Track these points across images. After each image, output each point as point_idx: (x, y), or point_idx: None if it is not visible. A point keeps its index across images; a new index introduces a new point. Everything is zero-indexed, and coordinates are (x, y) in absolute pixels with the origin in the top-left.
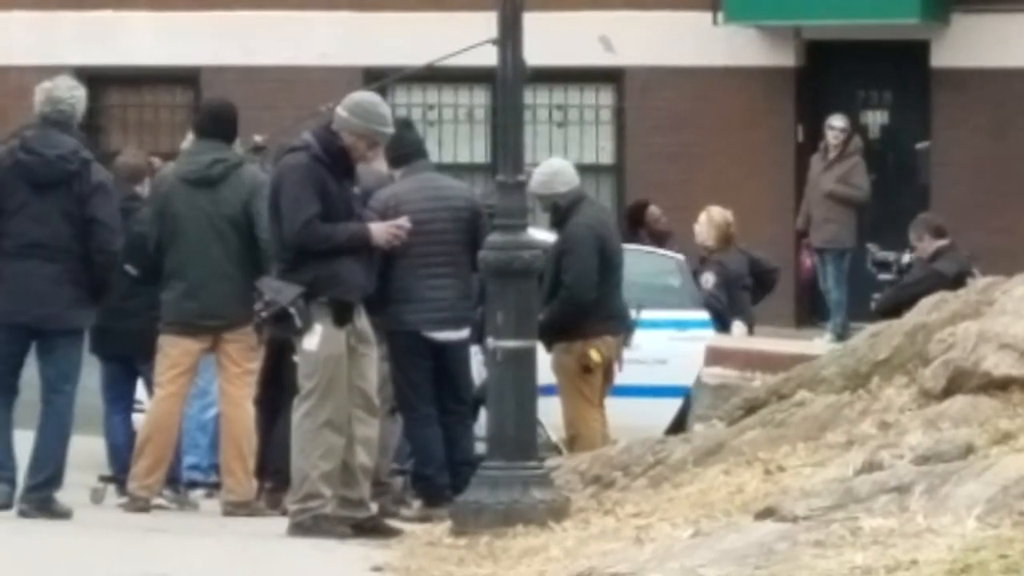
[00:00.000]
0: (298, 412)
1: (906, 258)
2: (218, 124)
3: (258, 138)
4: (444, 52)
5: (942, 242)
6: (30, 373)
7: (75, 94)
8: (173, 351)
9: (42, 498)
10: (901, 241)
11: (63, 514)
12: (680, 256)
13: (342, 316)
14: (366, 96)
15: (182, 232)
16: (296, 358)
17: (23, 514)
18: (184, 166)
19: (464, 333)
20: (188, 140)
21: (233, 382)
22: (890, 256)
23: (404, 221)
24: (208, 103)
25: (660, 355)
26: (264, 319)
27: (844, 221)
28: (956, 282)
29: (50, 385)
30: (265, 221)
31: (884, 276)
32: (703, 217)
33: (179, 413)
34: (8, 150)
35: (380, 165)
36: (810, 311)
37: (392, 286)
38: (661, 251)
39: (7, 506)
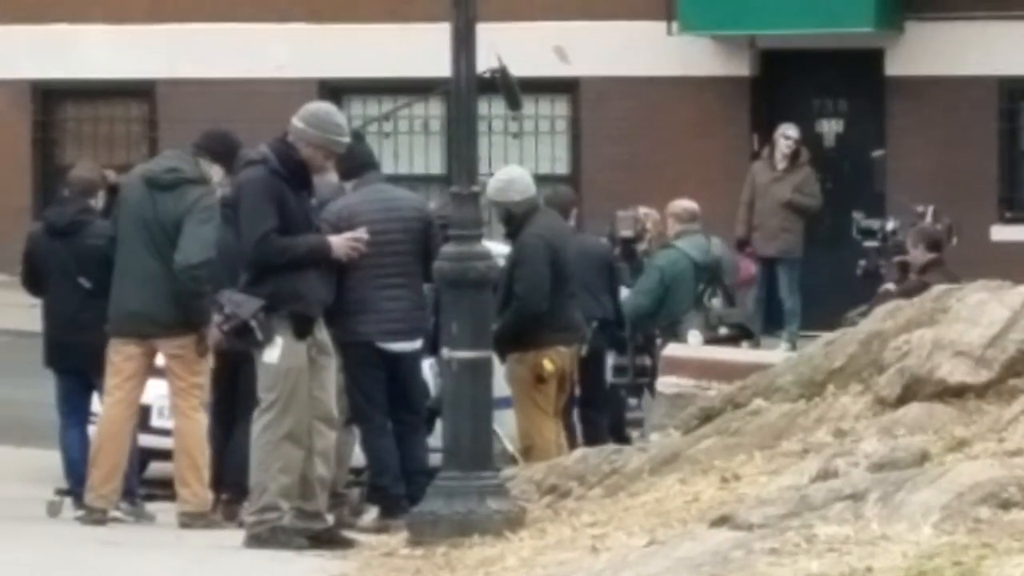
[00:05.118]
0: (258, 424)
1: (890, 225)
2: (208, 140)
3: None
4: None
5: (933, 255)
6: None
7: None
8: (116, 357)
9: None
10: (854, 250)
11: None
12: None
13: (303, 329)
14: (322, 106)
15: (127, 233)
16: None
17: None
18: (147, 166)
19: (417, 344)
20: None
21: (180, 395)
22: (875, 224)
23: (362, 233)
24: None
25: None
26: (225, 332)
27: (798, 231)
28: None
29: None
30: (186, 243)
31: (869, 243)
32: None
33: (129, 420)
34: None
35: (332, 176)
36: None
37: (345, 297)
38: None
39: None
